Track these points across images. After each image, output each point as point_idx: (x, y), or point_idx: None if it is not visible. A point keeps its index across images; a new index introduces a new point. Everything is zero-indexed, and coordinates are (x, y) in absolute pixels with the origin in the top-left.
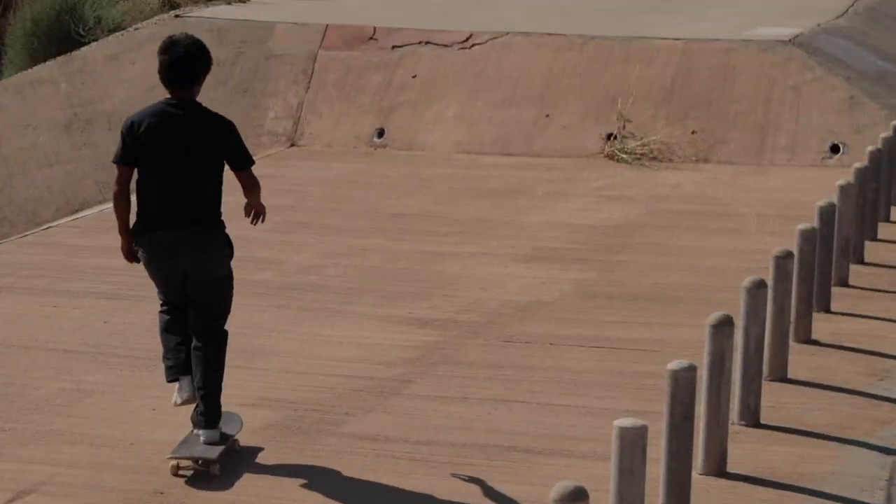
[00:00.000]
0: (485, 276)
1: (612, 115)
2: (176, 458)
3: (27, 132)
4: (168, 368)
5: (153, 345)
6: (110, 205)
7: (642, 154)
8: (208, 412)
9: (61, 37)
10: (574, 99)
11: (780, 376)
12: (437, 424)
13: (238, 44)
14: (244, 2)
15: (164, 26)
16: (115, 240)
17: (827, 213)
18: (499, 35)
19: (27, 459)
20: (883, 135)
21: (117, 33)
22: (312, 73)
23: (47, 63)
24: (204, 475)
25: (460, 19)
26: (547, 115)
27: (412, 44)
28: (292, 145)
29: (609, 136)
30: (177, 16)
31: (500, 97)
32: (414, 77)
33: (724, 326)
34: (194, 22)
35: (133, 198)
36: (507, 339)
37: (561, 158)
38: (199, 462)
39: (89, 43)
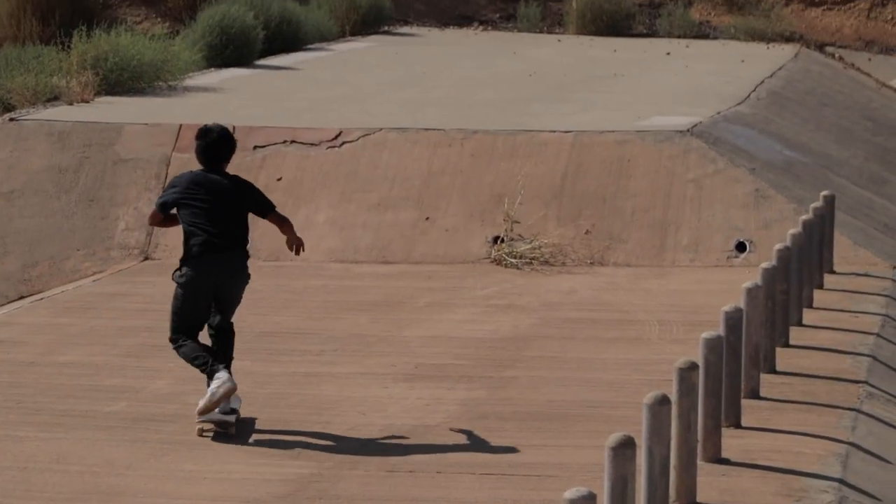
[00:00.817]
0: (363, 399)
1: (498, 216)
2: (201, 422)
3: None
4: (205, 361)
5: None
6: None
7: (533, 258)
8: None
9: None
10: (456, 199)
11: (689, 500)
12: None
13: (82, 148)
14: (87, 102)
15: None
16: None
17: (734, 319)
18: (371, 131)
19: None
20: (792, 231)
21: None
22: (166, 178)
23: None
24: (224, 434)
25: (328, 115)
26: (427, 218)
27: (276, 143)
28: (146, 259)
29: (496, 240)
30: (12, 119)
31: (375, 199)
32: (279, 180)
33: (624, 449)
34: (32, 126)
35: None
36: (390, 468)
37: (444, 265)
38: (221, 425)
39: None
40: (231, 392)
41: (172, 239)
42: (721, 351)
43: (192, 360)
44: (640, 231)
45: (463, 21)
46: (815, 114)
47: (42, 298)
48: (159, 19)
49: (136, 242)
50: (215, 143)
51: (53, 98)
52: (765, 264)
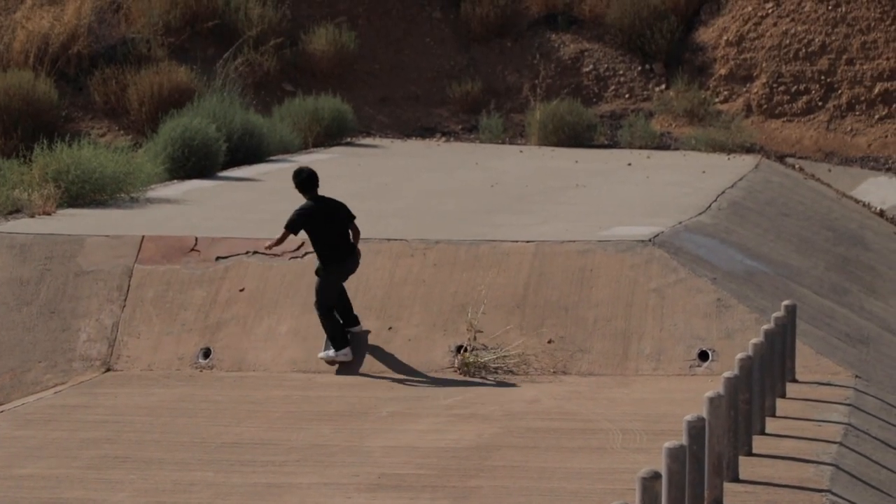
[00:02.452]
0: None
1: (461, 326)
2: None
3: None
4: (342, 340)
5: None
6: None
7: (496, 367)
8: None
9: None
10: (419, 309)
11: None
12: None
13: (43, 260)
14: (49, 214)
15: None
16: None
17: (696, 429)
18: None
19: None
20: (753, 340)
21: None
22: (128, 290)
23: None
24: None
25: None
26: (389, 328)
27: (239, 254)
28: (108, 370)
29: (459, 349)
30: None
31: None
32: (242, 290)
33: None
34: None
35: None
36: None
37: (406, 375)
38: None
39: None
40: (344, 361)
41: (134, 350)
42: (684, 460)
43: (329, 330)
44: (603, 340)
45: (425, 132)
46: (775, 224)
47: (2, 411)
48: (122, 132)
49: (98, 354)
50: (308, 179)
51: (15, 211)
52: (727, 374)
